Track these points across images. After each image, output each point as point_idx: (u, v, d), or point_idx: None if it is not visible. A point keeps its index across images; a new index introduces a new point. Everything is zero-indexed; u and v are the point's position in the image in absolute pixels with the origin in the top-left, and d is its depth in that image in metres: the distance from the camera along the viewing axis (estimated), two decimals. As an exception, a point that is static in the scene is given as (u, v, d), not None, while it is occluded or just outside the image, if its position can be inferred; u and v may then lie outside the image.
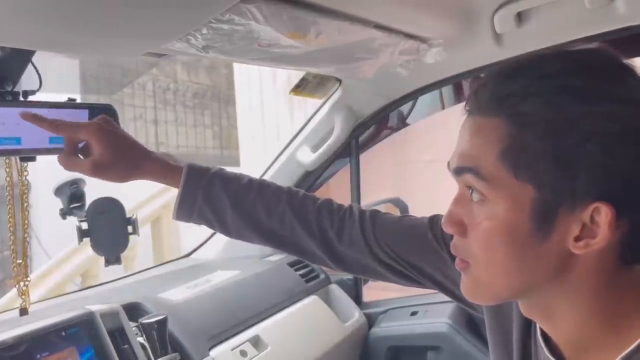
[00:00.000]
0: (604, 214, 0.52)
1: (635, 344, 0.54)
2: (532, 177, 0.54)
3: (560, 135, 0.52)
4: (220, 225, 0.89)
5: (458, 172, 0.58)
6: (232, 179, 0.90)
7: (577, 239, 0.53)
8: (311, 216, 0.89)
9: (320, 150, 1.66)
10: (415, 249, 0.86)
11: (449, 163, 0.60)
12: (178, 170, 0.88)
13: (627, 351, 0.54)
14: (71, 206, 1.03)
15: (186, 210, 0.88)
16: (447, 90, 2.60)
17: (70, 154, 0.86)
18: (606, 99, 0.52)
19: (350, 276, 1.80)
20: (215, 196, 0.87)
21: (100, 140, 0.84)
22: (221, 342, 1.24)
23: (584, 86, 0.53)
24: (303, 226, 0.88)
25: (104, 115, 0.88)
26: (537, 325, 0.64)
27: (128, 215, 1.06)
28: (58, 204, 1.05)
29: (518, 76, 0.55)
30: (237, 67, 5.22)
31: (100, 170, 0.85)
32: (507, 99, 0.55)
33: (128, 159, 0.87)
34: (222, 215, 0.88)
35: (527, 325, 0.68)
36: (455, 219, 0.59)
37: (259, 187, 0.90)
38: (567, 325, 0.58)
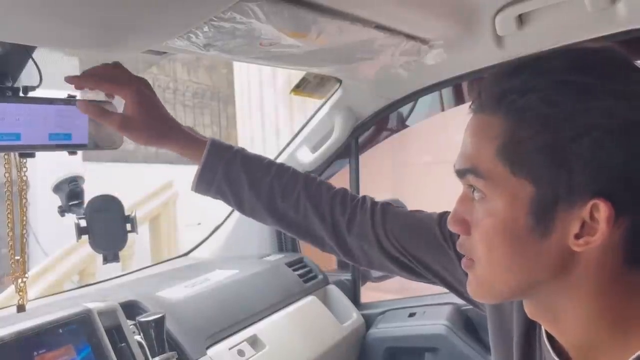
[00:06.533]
0: (602, 211, 0.52)
1: None
2: (529, 173, 0.54)
3: (556, 130, 0.52)
4: (236, 202, 0.92)
5: (460, 174, 0.60)
6: (253, 159, 0.93)
7: (577, 236, 0.53)
8: (325, 203, 0.91)
9: (320, 151, 1.66)
10: (422, 244, 0.87)
11: (454, 165, 0.61)
12: (201, 143, 0.91)
13: (636, 354, 0.54)
14: (70, 203, 1.03)
15: (205, 183, 0.90)
16: (447, 92, 2.60)
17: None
18: (604, 95, 0.52)
19: (348, 277, 1.80)
20: (234, 173, 0.90)
21: (135, 99, 0.87)
22: (219, 341, 1.23)
23: (581, 82, 0.53)
24: (315, 212, 0.90)
25: (144, 79, 0.91)
26: (542, 327, 0.64)
27: (127, 213, 1.06)
28: (56, 201, 1.05)
29: (518, 73, 0.56)
30: (236, 66, 5.22)
31: (128, 127, 0.88)
32: (506, 95, 0.55)
33: (157, 124, 0.90)
34: (239, 192, 0.90)
35: (530, 327, 0.68)
36: (459, 217, 0.60)
37: (278, 170, 0.92)
38: (572, 326, 0.58)
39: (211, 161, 0.90)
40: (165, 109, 0.92)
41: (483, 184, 0.57)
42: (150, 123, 0.89)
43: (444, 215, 0.87)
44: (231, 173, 0.90)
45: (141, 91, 0.89)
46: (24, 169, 0.98)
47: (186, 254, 1.86)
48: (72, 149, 0.91)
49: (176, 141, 0.91)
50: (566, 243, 0.54)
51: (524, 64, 0.57)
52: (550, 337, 0.63)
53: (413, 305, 1.70)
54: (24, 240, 1.03)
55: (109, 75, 0.88)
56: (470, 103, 0.60)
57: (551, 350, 0.62)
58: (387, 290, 1.96)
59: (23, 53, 0.88)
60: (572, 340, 0.60)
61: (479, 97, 0.58)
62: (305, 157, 1.68)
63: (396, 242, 0.88)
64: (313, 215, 0.90)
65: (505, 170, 0.55)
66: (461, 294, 0.85)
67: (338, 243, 0.91)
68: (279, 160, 1.71)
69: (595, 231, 0.53)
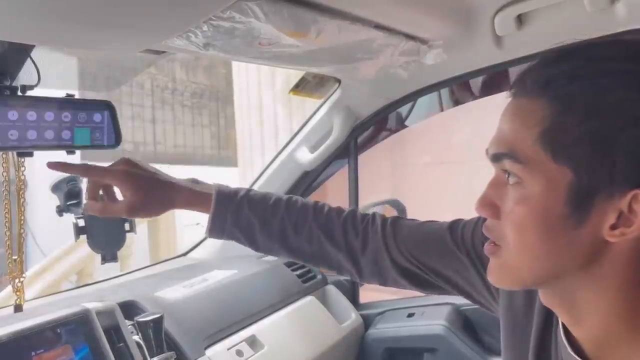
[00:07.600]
0: None
1: None
2: (571, 160, 0.53)
3: (604, 119, 0.51)
4: (251, 244, 0.94)
5: (495, 158, 0.58)
6: (260, 200, 0.94)
7: (613, 227, 0.53)
8: (337, 230, 0.92)
9: (319, 151, 1.66)
10: (432, 251, 0.87)
11: (487, 150, 0.60)
12: (207, 196, 0.92)
13: None
14: (68, 203, 1.02)
15: (217, 232, 0.93)
16: (445, 93, 2.60)
17: (100, 200, 0.93)
18: None
19: (347, 277, 1.80)
20: (244, 219, 0.92)
21: (130, 185, 0.89)
22: (217, 341, 1.23)
23: (631, 71, 0.52)
24: (330, 241, 0.91)
25: (126, 158, 0.92)
26: (559, 323, 0.64)
27: (125, 213, 1.06)
28: (55, 201, 1.04)
29: (567, 59, 0.55)
30: (235, 66, 5.22)
31: (136, 211, 0.91)
32: (553, 80, 0.54)
33: (159, 196, 0.91)
34: (252, 235, 0.92)
35: (547, 323, 0.67)
36: (489, 201, 0.59)
37: (286, 207, 0.93)
38: (592, 318, 0.58)
39: (219, 211, 0.92)
40: (159, 174, 0.93)
41: (520, 169, 0.55)
42: (153, 197, 0.91)
43: (454, 223, 0.87)
44: (241, 219, 0.92)
45: (129, 172, 0.90)
46: (22, 168, 0.98)
47: (184, 254, 1.85)
48: (70, 148, 0.91)
49: (182, 201, 0.93)
50: (600, 233, 0.53)
51: (574, 50, 0.56)
52: (566, 331, 0.62)
53: (412, 305, 1.70)
54: (22, 240, 1.02)
55: (93, 166, 0.91)
56: (511, 86, 0.59)
57: (567, 345, 0.61)
58: (385, 290, 1.96)
59: (21, 52, 0.88)
60: (589, 333, 0.59)
61: (522, 80, 0.57)
62: (304, 157, 1.68)
63: (407, 252, 0.88)
64: (328, 244, 0.91)
65: (546, 156, 0.54)
66: (474, 299, 0.85)
67: (355, 265, 0.92)
68: (278, 160, 1.72)
69: (631, 222, 0.52)
